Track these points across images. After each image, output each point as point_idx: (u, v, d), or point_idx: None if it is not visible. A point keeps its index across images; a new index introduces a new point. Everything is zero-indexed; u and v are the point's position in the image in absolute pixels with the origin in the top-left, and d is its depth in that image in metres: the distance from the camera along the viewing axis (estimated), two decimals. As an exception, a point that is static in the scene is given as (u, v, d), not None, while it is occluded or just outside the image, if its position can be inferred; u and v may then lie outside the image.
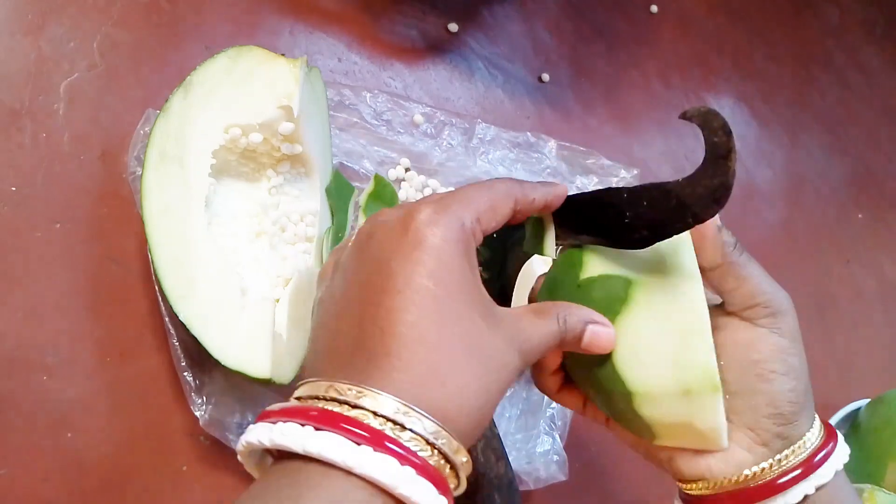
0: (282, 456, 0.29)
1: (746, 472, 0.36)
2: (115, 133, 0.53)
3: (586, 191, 0.39)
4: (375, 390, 0.28)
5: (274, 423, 0.28)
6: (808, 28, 0.98)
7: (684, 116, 0.34)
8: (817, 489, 0.35)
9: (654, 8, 0.85)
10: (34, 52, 0.52)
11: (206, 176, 0.49)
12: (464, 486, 0.31)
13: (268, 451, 0.30)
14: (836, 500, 0.36)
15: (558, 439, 0.59)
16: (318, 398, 0.29)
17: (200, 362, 0.49)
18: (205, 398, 0.48)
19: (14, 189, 0.50)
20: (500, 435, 0.53)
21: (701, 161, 0.34)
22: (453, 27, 0.71)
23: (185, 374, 0.48)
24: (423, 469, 0.27)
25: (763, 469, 0.35)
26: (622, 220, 0.36)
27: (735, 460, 0.36)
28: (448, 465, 0.29)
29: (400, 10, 0.69)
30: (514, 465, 0.54)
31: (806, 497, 0.35)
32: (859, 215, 0.92)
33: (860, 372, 0.83)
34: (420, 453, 0.27)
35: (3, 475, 0.45)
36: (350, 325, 0.31)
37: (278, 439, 0.28)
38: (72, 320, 0.49)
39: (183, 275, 0.46)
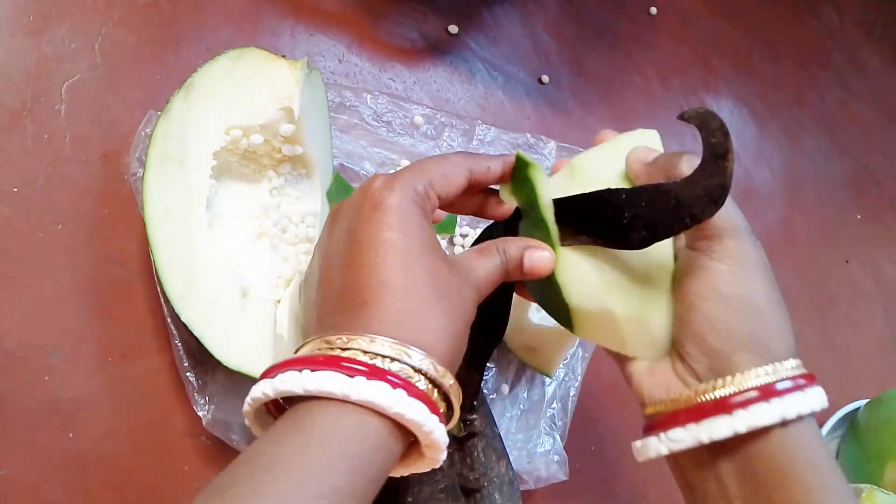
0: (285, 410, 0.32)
1: (673, 396, 0.36)
2: (116, 134, 0.53)
3: (585, 192, 0.39)
4: (362, 333, 0.32)
5: (274, 375, 0.32)
6: (807, 29, 0.98)
7: (682, 117, 0.35)
8: (782, 423, 0.34)
9: (653, 9, 0.85)
10: (35, 53, 0.53)
11: (207, 177, 0.49)
12: (456, 414, 0.34)
13: (271, 413, 0.34)
14: (800, 445, 0.35)
15: (559, 439, 0.59)
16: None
17: (202, 362, 0.49)
18: (207, 398, 0.48)
19: (15, 190, 0.50)
20: (501, 435, 0.53)
21: (699, 162, 0.34)
22: (453, 29, 0.71)
23: (188, 374, 0.48)
24: (414, 391, 0.31)
25: (681, 398, 0.36)
26: (621, 220, 0.37)
27: (668, 385, 0.37)
28: (436, 390, 0.32)
29: (400, 12, 0.69)
30: (514, 464, 0.54)
31: (767, 430, 0.34)
32: (858, 216, 0.92)
33: (859, 372, 0.83)
34: (409, 379, 0.31)
35: (4, 475, 0.45)
36: (331, 289, 0.35)
37: (280, 386, 0.31)
38: (73, 321, 0.49)
39: (184, 275, 0.46)
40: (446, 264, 0.35)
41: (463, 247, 0.63)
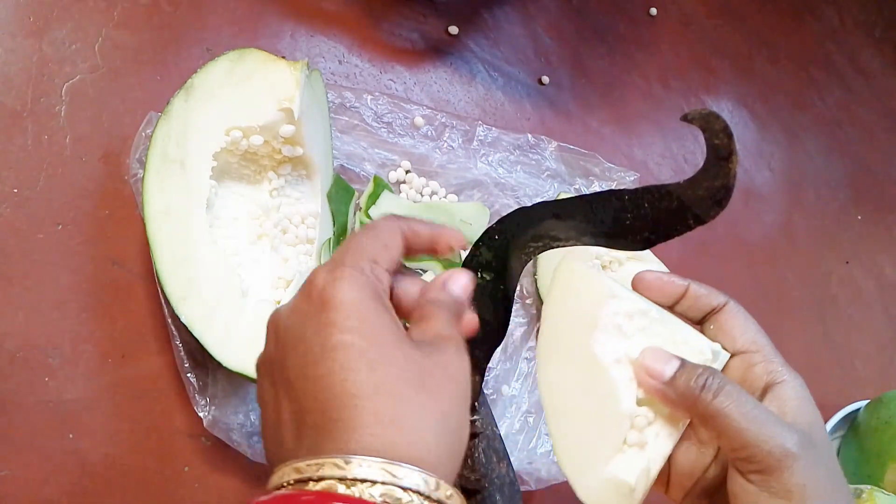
0: None
1: None
2: (117, 135, 0.53)
3: (588, 192, 0.39)
4: (333, 456, 0.27)
5: None
6: (808, 30, 0.98)
7: (686, 119, 0.34)
8: None
9: (653, 10, 0.85)
10: (36, 54, 0.53)
11: (208, 178, 0.49)
12: None
13: None
14: None
15: (559, 440, 0.59)
16: (282, 486, 0.27)
17: (203, 363, 0.49)
18: (208, 399, 0.48)
19: (16, 191, 0.50)
20: (502, 436, 0.53)
21: (700, 163, 0.34)
22: (454, 30, 0.71)
23: (189, 375, 0.48)
24: None
25: None
26: (624, 221, 0.37)
27: None
28: None
29: (401, 13, 0.69)
30: (515, 465, 0.54)
31: None
32: (859, 217, 0.92)
33: (860, 373, 0.83)
34: None
35: (5, 476, 0.45)
36: (289, 411, 0.30)
37: None
38: (73, 321, 0.49)
39: (184, 276, 0.46)
40: (416, 349, 0.30)
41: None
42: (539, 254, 0.42)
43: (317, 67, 0.61)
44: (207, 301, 0.46)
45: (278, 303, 0.50)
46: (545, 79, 0.74)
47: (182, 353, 0.48)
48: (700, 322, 0.39)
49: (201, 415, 0.48)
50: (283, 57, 0.53)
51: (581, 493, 0.37)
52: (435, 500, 0.27)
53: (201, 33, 0.59)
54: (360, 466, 0.26)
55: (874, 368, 0.85)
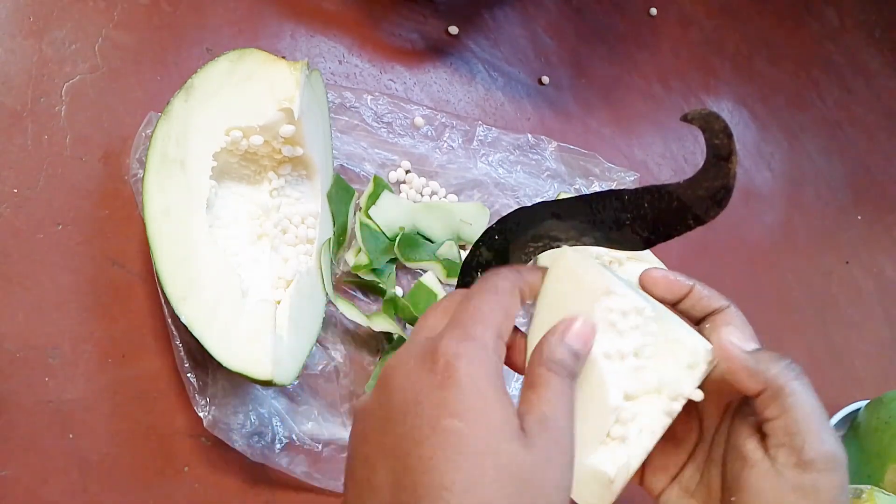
0: None
1: None
2: (117, 135, 0.53)
3: (588, 192, 0.39)
4: None
5: None
6: (808, 30, 0.98)
7: (686, 119, 0.34)
8: None
9: (653, 10, 0.85)
10: (36, 54, 0.53)
11: (208, 178, 0.49)
12: None
13: None
14: None
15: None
16: None
17: (203, 364, 0.49)
18: (208, 399, 0.48)
19: (15, 191, 0.50)
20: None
21: (700, 163, 0.34)
22: (454, 30, 0.71)
23: (189, 375, 0.48)
24: None
25: None
26: (624, 221, 0.37)
27: None
28: None
29: (401, 13, 0.69)
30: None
31: None
32: (859, 217, 0.92)
33: (860, 373, 0.83)
34: None
35: (4, 476, 0.45)
36: (387, 482, 0.29)
37: None
38: (73, 322, 0.49)
39: (184, 276, 0.46)
40: (521, 444, 0.29)
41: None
42: (539, 254, 0.42)
43: (317, 67, 0.61)
44: (207, 301, 0.46)
45: (278, 303, 0.50)
46: (545, 79, 0.74)
47: (182, 354, 0.48)
48: (699, 322, 0.39)
49: (201, 415, 0.48)
50: (283, 57, 0.53)
51: None
52: None
53: (201, 33, 0.59)
54: None
55: (874, 368, 0.85)
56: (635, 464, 0.36)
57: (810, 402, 0.32)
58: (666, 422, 0.36)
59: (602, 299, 0.36)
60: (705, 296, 0.38)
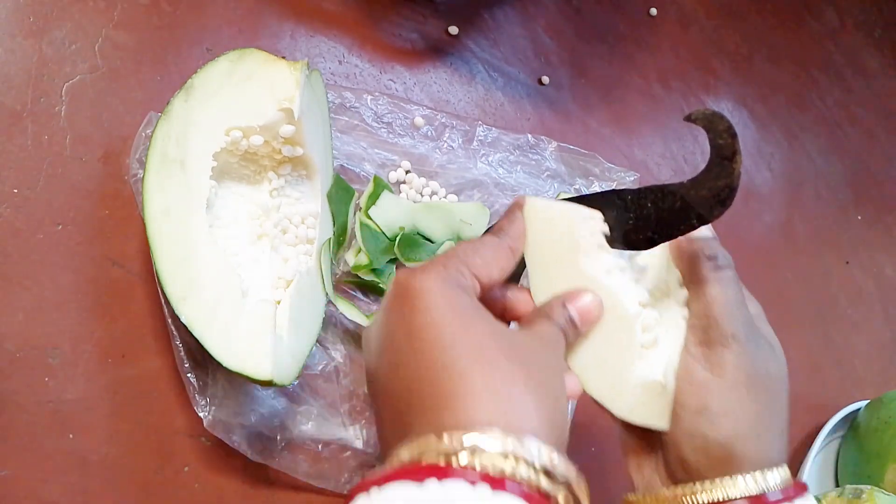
0: None
1: (655, 493, 0.36)
2: (117, 135, 0.53)
3: (590, 192, 0.39)
4: (426, 436, 0.26)
5: (381, 486, 0.25)
6: (807, 30, 0.98)
7: (689, 119, 0.35)
8: None
9: (653, 10, 0.85)
10: (36, 54, 0.53)
11: (208, 178, 0.49)
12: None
13: None
14: None
15: (559, 441, 0.59)
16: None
17: (203, 364, 0.49)
18: (208, 399, 0.48)
19: (15, 191, 0.50)
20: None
21: (701, 163, 0.34)
22: (454, 30, 0.71)
23: (189, 375, 0.48)
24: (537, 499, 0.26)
25: (663, 497, 0.35)
26: (627, 221, 0.37)
27: (652, 480, 0.37)
28: (561, 489, 0.27)
29: (400, 13, 0.69)
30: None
31: None
32: (858, 217, 0.92)
33: (860, 373, 0.83)
34: (531, 483, 0.26)
35: (4, 476, 0.45)
36: (388, 414, 0.31)
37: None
38: (73, 322, 0.49)
39: (184, 277, 0.46)
40: (503, 326, 0.31)
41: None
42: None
43: (317, 67, 0.61)
44: (207, 301, 0.46)
45: (278, 303, 0.50)
46: (545, 79, 0.74)
47: (182, 354, 0.48)
48: None
49: (201, 415, 0.48)
50: (283, 57, 0.53)
51: (618, 411, 0.37)
52: (563, 482, 0.27)
53: (201, 33, 0.59)
54: (490, 440, 0.26)
55: (874, 369, 0.85)
56: (675, 358, 0.36)
57: (721, 290, 0.36)
58: (686, 314, 0.37)
59: (580, 225, 0.38)
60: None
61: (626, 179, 0.70)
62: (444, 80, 0.69)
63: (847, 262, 0.88)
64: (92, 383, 0.48)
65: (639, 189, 0.37)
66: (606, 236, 0.38)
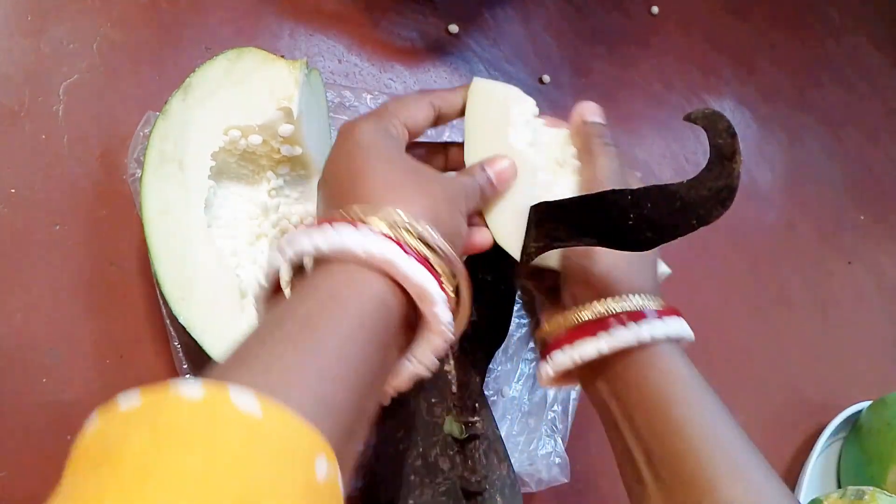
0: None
1: (554, 322, 0.43)
2: (115, 134, 0.53)
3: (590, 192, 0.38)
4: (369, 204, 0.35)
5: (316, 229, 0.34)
6: (809, 29, 0.98)
7: (689, 118, 0.34)
8: (640, 346, 0.39)
9: (654, 9, 0.84)
10: (33, 53, 0.52)
11: (206, 178, 0.49)
12: (465, 299, 0.36)
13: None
14: (660, 366, 0.39)
15: (560, 442, 0.59)
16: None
17: (201, 364, 0.48)
18: (205, 401, 0.48)
19: (13, 190, 0.49)
20: (503, 437, 0.52)
21: (703, 163, 0.34)
22: (454, 29, 0.71)
23: (187, 376, 0.48)
24: (421, 259, 0.33)
25: (559, 323, 0.42)
26: (626, 221, 0.36)
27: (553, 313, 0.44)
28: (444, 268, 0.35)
29: (400, 12, 0.69)
30: (515, 467, 0.54)
31: (630, 352, 0.39)
32: (861, 216, 0.92)
33: (862, 374, 0.83)
34: (418, 250, 0.34)
35: (2, 477, 0.45)
36: (334, 185, 0.39)
37: (328, 242, 0.33)
38: (71, 322, 0.49)
39: (182, 277, 0.46)
40: (420, 165, 0.39)
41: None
42: (541, 254, 0.41)
43: (316, 66, 0.61)
44: (206, 301, 0.46)
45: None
46: (546, 78, 0.74)
47: (180, 354, 0.48)
48: None
49: (200, 416, 0.48)
50: (282, 56, 0.53)
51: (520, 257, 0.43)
52: (416, 233, 0.34)
53: (200, 32, 0.59)
54: (387, 212, 0.34)
55: (877, 369, 0.84)
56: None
57: (607, 161, 0.45)
58: (577, 179, 0.46)
59: (513, 106, 0.47)
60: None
61: (627, 179, 0.70)
62: (444, 79, 0.69)
63: (849, 263, 0.88)
64: (90, 384, 0.48)
65: (639, 189, 0.36)
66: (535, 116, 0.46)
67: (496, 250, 0.43)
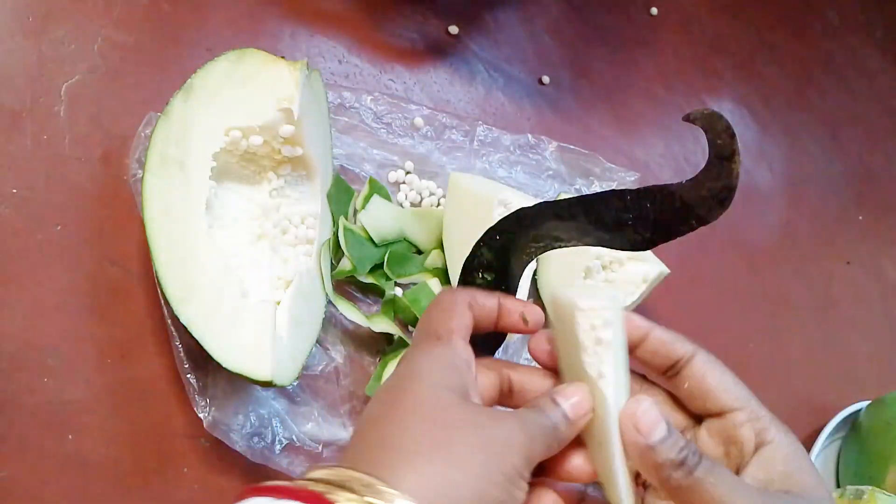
0: None
1: None
2: (116, 135, 0.53)
3: (589, 192, 0.39)
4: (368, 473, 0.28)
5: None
6: (809, 30, 0.98)
7: (688, 119, 0.34)
8: None
9: (654, 10, 0.85)
10: (35, 54, 0.52)
11: (207, 178, 0.49)
12: None
13: None
14: None
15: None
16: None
17: (203, 364, 0.49)
18: (208, 400, 0.48)
19: (15, 191, 0.50)
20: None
21: (701, 163, 0.34)
22: (454, 30, 0.71)
23: (188, 376, 0.48)
24: None
25: None
26: (625, 221, 0.36)
27: None
28: None
29: (401, 13, 0.69)
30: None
31: None
32: (860, 217, 0.92)
33: (861, 374, 0.83)
34: None
35: (4, 476, 0.45)
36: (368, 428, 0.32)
37: None
38: (72, 322, 0.49)
39: (184, 277, 0.46)
40: (473, 406, 0.32)
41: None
42: (540, 254, 0.41)
43: (316, 67, 0.61)
44: (207, 302, 0.46)
45: (278, 303, 0.50)
46: (545, 79, 0.74)
47: (182, 354, 0.48)
48: (666, 374, 0.36)
49: (201, 416, 0.48)
50: (283, 57, 0.53)
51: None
52: None
53: (201, 33, 0.59)
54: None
55: (875, 369, 0.85)
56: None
57: (716, 491, 0.31)
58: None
59: (496, 210, 0.42)
60: (666, 340, 0.36)
61: (627, 179, 0.70)
62: (444, 79, 0.69)
63: (848, 263, 0.88)
64: (91, 384, 0.48)
65: (638, 189, 0.36)
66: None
67: (495, 249, 0.43)
